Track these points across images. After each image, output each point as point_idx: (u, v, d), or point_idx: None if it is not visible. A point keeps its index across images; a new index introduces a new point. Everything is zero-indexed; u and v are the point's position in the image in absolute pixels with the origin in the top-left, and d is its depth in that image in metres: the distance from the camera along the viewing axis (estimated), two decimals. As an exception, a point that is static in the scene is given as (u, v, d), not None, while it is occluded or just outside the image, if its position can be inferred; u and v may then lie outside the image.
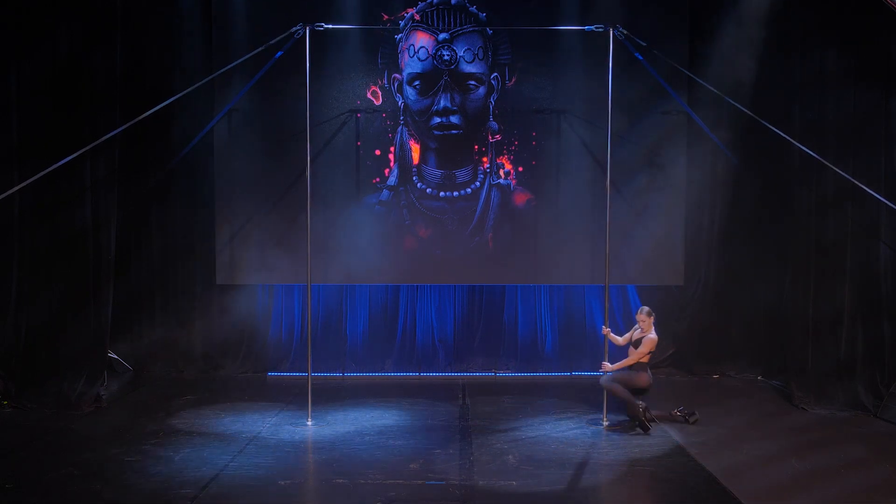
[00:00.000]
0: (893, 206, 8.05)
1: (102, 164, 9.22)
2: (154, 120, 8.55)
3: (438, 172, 10.58)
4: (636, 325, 8.41)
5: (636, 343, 8.31)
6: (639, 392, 8.26)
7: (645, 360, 8.28)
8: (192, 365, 10.70)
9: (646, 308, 8.43)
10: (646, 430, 8.09)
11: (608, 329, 8.47)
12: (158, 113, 8.24)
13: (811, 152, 8.38)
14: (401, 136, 10.53)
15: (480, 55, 10.46)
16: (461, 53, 10.42)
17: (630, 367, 8.27)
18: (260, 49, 8.50)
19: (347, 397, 9.60)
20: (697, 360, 10.80)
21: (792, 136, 8.64)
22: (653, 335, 8.24)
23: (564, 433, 8.11)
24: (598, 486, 6.82)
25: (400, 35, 10.42)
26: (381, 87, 10.48)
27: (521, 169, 10.59)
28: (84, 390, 8.98)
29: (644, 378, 8.26)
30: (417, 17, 10.39)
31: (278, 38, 8.38)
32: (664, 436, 8.01)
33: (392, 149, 10.54)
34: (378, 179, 10.56)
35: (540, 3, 10.34)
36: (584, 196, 10.39)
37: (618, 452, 7.52)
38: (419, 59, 10.43)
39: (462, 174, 10.60)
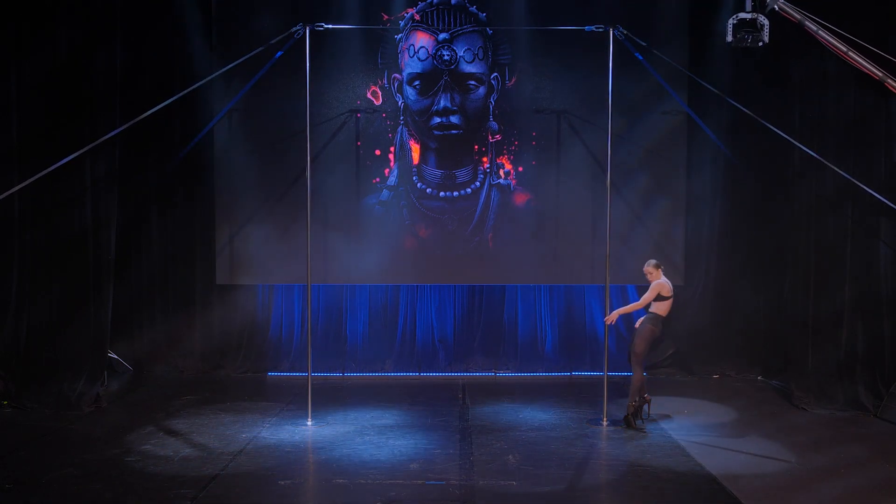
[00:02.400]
0: (893, 206, 8.05)
1: (102, 164, 9.22)
2: (154, 120, 8.54)
3: (438, 172, 10.59)
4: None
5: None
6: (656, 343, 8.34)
7: (660, 311, 8.28)
8: (192, 365, 10.70)
9: (652, 261, 8.43)
10: (628, 426, 8.21)
11: (610, 319, 8.43)
12: (158, 113, 8.24)
13: (811, 152, 8.38)
14: (401, 136, 10.54)
15: (480, 55, 10.46)
16: (461, 53, 10.42)
17: (650, 323, 8.27)
18: (260, 49, 8.51)
19: (347, 397, 9.61)
20: (697, 360, 10.80)
21: (792, 136, 8.64)
22: (661, 280, 8.24)
23: (564, 433, 8.12)
24: (598, 486, 6.83)
25: (400, 35, 10.42)
26: (381, 87, 10.48)
27: (521, 169, 10.59)
28: (84, 390, 8.98)
29: (652, 330, 8.27)
30: (417, 17, 10.39)
31: (278, 38, 8.39)
32: (664, 436, 8.02)
33: (392, 149, 10.55)
34: (378, 179, 10.56)
35: (540, 2, 10.34)
36: (584, 196, 10.40)
37: (618, 452, 7.52)
38: (419, 59, 10.43)
39: (462, 174, 10.60)
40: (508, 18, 10.33)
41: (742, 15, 6.65)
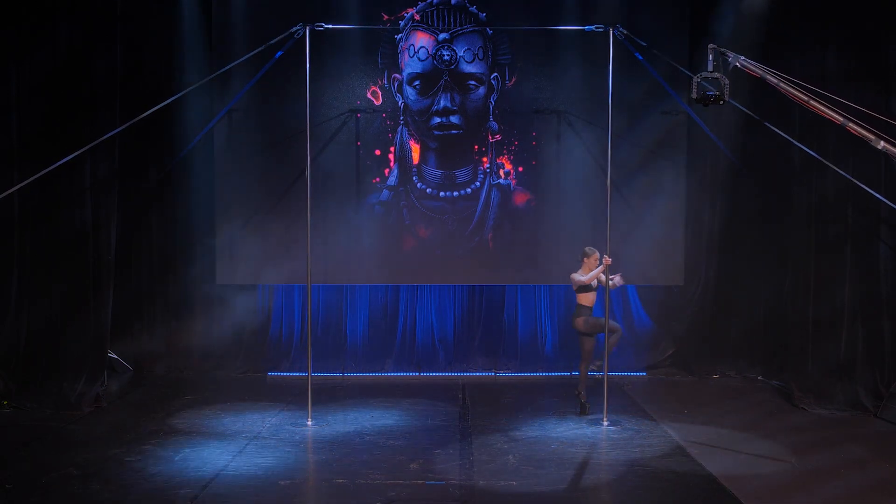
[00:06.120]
0: (893, 205, 8.05)
1: (102, 164, 9.23)
2: (154, 120, 8.54)
3: (438, 172, 10.59)
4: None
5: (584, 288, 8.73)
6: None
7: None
8: (192, 365, 10.69)
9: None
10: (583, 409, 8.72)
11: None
12: (158, 113, 8.23)
13: (811, 152, 8.38)
14: (401, 136, 10.54)
15: (480, 55, 10.46)
16: (461, 53, 10.42)
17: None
18: (260, 49, 8.49)
19: (347, 397, 9.60)
20: (697, 360, 10.80)
21: (792, 136, 8.64)
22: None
23: (564, 433, 8.11)
24: (598, 486, 6.82)
25: (400, 35, 10.42)
26: (381, 87, 10.49)
27: (521, 169, 10.59)
28: (84, 390, 8.98)
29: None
30: (417, 17, 10.39)
31: (278, 38, 8.37)
32: (664, 436, 8.01)
33: (392, 149, 10.55)
34: (378, 179, 10.56)
35: (540, 3, 10.34)
36: (584, 196, 10.39)
37: (618, 452, 7.52)
38: (419, 59, 10.43)
39: (462, 174, 10.60)
40: (508, 18, 10.33)
41: (705, 73, 6.86)
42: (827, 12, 9.12)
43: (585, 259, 8.67)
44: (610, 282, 8.63)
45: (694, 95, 6.99)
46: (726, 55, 7.02)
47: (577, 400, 8.76)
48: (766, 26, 9.83)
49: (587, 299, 8.73)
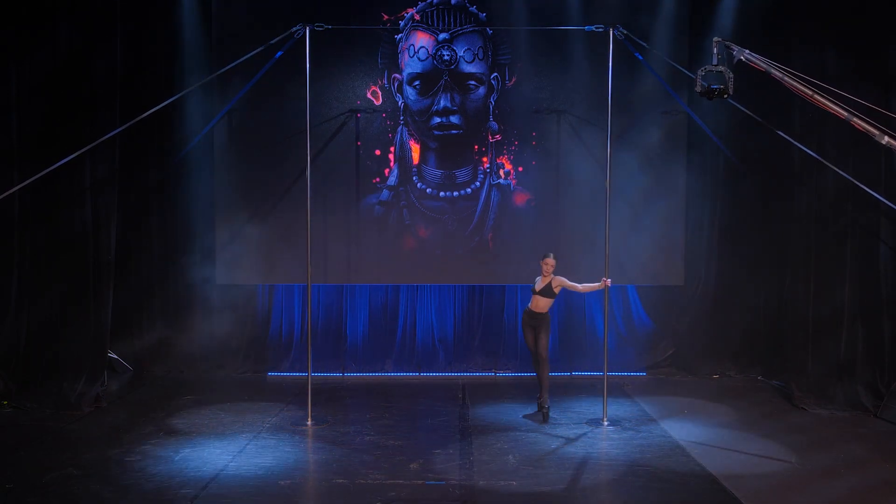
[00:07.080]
0: (893, 206, 8.05)
1: (102, 164, 9.23)
2: (154, 120, 8.54)
3: (438, 172, 10.59)
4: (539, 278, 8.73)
5: (545, 291, 8.62)
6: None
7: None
8: (192, 365, 10.69)
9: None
10: (545, 419, 8.49)
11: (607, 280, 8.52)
12: (158, 113, 8.23)
13: (811, 152, 8.38)
14: (401, 136, 10.54)
15: (480, 55, 10.46)
16: (461, 53, 10.42)
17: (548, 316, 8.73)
18: (260, 49, 8.49)
19: (347, 397, 9.61)
20: (697, 360, 10.80)
21: (792, 136, 8.64)
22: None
23: (564, 433, 8.12)
24: (598, 486, 6.82)
25: (400, 35, 10.42)
26: (381, 87, 10.49)
27: (521, 169, 10.59)
28: (84, 390, 8.99)
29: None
30: (417, 17, 10.40)
31: (278, 38, 8.37)
32: (664, 436, 8.02)
33: (392, 149, 10.55)
34: (378, 179, 10.56)
35: (540, 3, 10.34)
36: (584, 196, 10.39)
37: (618, 452, 7.52)
38: (419, 59, 10.43)
39: (462, 174, 10.60)
40: (508, 18, 10.32)
41: (709, 67, 6.84)
42: (827, 13, 9.11)
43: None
44: (596, 283, 8.56)
45: (697, 89, 6.95)
46: (731, 48, 6.99)
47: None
48: (766, 27, 9.84)
49: (533, 300, 8.75)
